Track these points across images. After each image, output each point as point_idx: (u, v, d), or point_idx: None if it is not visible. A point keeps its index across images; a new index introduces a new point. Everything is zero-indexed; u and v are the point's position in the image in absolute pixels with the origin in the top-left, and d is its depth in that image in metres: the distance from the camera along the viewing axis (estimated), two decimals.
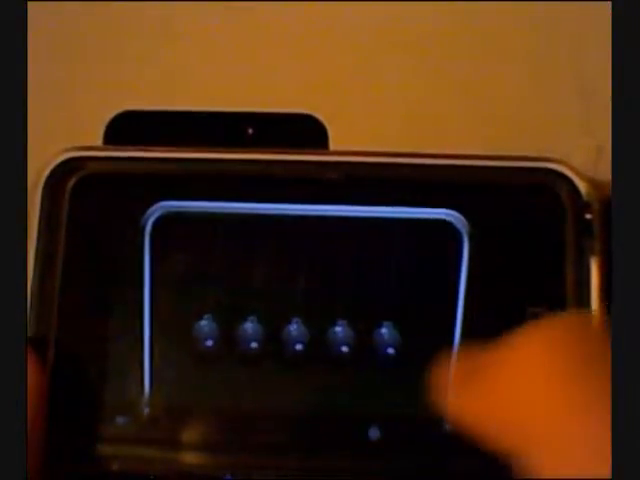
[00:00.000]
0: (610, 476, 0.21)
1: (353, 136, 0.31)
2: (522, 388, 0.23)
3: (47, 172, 0.30)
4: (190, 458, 0.29)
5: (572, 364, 0.23)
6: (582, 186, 0.29)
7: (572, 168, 0.29)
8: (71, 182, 0.30)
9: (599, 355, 0.23)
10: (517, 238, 0.29)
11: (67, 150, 0.30)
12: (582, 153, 0.35)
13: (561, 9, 0.36)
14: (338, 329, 0.29)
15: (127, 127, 0.32)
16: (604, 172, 0.29)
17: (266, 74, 0.34)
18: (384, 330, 0.29)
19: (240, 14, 0.34)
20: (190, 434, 0.29)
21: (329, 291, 0.30)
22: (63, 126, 0.33)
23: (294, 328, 0.29)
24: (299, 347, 0.29)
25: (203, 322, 0.29)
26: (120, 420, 0.29)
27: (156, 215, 0.30)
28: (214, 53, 0.34)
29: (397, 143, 0.31)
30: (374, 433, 0.29)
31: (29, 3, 0.29)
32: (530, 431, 0.22)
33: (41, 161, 0.30)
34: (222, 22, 0.34)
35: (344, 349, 0.29)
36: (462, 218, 0.29)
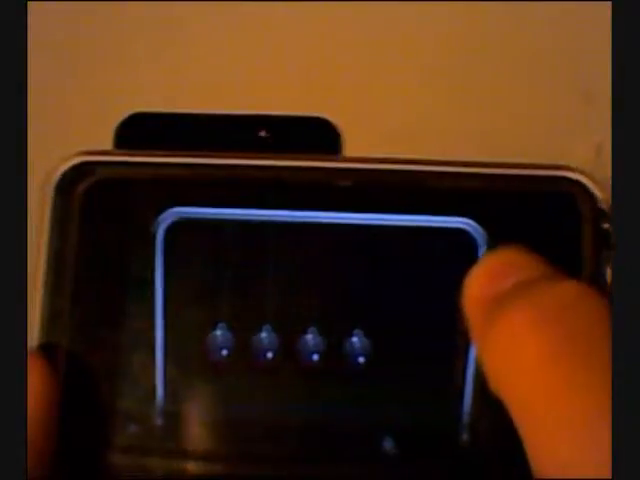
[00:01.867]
0: (606, 461, 0.19)
1: (367, 140, 0.31)
2: (511, 358, 0.22)
3: (57, 177, 0.29)
4: (202, 468, 0.29)
5: (562, 341, 0.21)
6: (600, 195, 0.29)
7: (590, 177, 0.29)
8: (82, 187, 0.29)
9: (594, 331, 0.22)
10: (534, 247, 0.29)
11: (78, 154, 0.29)
12: (582, 153, 0.34)
13: (561, 9, 0.36)
14: (355, 339, 0.29)
15: (137, 129, 0.31)
16: (604, 172, 0.29)
17: (279, 76, 0.33)
18: (399, 340, 0.29)
19: (253, 15, 0.34)
20: (202, 444, 0.29)
21: (342, 301, 0.29)
22: (72, 128, 0.32)
23: (310, 338, 0.29)
24: (315, 357, 0.29)
25: (216, 331, 0.29)
26: (132, 429, 0.29)
27: (168, 221, 0.29)
28: (227, 54, 0.33)
29: (411, 147, 0.31)
30: (388, 444, 0.29)
31: (38, 4, 0.29)
32: (519, 405, 0.22)
33: (50, 165, 0.29)
34: (235, 23, 0.34)
35: (360, 359, 0.29)
36: (479, 227, 0.29)
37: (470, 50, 0.36)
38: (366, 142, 0.31)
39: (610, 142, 0.25)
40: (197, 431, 0.29)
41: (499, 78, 0.36)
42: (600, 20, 0.34)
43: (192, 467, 0.29)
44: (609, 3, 0.27)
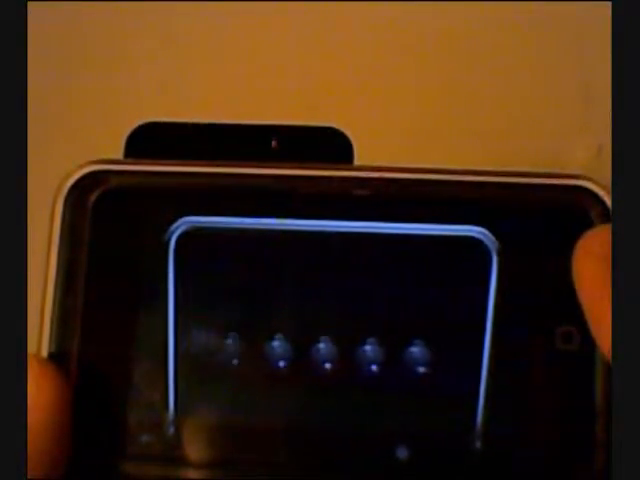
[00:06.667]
0: None
1: (378, 149, 0.31)
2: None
3: (68, 186, 0.29)
4: (214, 478, 0.29)
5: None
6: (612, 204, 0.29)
7: (602, 186, 0.29)
8: (93, 196, 0.29)
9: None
10: (546, 256, 0.29)
11: (89, 163, 0.29)
12: (582, 153, 0.34)
13: (561, 9, 0.36)
14: (367, 347, 0.29)
15: (148, 139, 0.31)
16: (604, 172, 0.29)
17: (291, 86, 0.33)
18: (414, 348, 0.29)
19: (265, 26, 0.34)
20: (215, 453, 0.29)
21: (356, 309, 0.29)
22: (82, 138, 0.32)
23: (322, 347, 0.29)
24: (328, 366, 0.29)
25: (228, 340, 0.29)
26: (145, 439, 0.29)
27: (180, 230, 0.29)
28: (239, 64, 0.33)
29: (420, 156, 0.31)
30: (402, 452, 0.28)
31: (49, 10, 0.29)
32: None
33: (62, 174, 0.29)
34: (244, 33, 0.34)
35: (374, 368, 0.29)
36: (491, 235, 0.29)
37: (471, 52, 0.36)
38: (377, 152, 0.31)
39: (610, 142, 0.25)
40: (209, 441, 0.29)
41: (499, 79, 0.36)
42: (600, 20, 0.35)
43: (204, 477, 0.29)
44: (609, 3, 0.27)
